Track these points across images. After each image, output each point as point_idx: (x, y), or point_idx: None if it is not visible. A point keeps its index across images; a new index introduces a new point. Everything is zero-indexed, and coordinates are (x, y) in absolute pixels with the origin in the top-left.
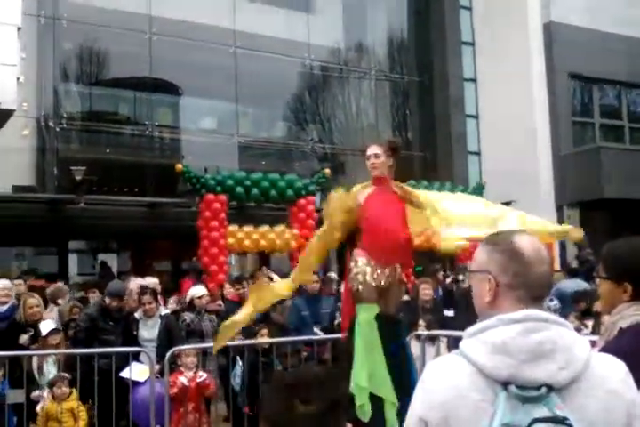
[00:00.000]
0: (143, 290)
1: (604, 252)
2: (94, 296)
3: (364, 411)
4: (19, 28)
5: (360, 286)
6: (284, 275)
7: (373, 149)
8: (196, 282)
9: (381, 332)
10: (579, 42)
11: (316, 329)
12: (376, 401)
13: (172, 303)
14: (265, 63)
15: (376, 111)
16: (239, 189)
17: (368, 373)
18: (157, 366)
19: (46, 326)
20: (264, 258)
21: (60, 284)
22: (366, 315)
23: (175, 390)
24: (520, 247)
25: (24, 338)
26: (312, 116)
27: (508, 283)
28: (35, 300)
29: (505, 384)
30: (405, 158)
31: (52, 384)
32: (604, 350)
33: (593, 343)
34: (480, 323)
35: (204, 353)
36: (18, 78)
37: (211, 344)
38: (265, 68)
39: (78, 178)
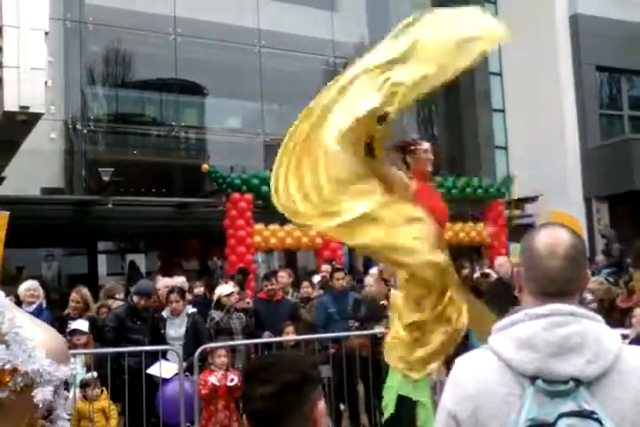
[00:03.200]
0: (171, 289)
1: (637, 244)
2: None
3: (388, 410)
4: (46, 33)
5: None
6: (309, 273)
7: (426, 145)
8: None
9: None
10: (605, 34)
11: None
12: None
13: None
14: (289, 61)
15: None
16: (264, 188)
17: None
18: (185, 364)
19: (77, 326)
20: (290, 256)
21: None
22: None
23: (205, 390)
24: (535, 241)
25: None
26: None
27: (526, 276)
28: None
29: (533, 379)
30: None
31: (84, 385)
32: (635, 342)
33: (624, 337)
34: (508, 317)
35: (232, 351)
36: (46, 82)
37: (240, 342)
38: (289, 67)
39: (106, 179)
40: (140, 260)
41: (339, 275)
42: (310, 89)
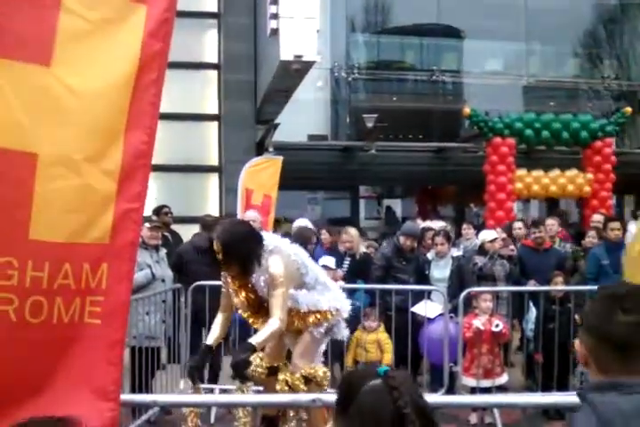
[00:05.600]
0: (436, 231)
1: None
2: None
3: None
4: None
5: None
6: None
7: None
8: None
9: None
10: None
11: None
12: None
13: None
14: None
15: None
16: (528, 132)
17: None
18: (449, 306)
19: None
20: (553, 204)
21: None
22: None
23: (470, 333)
24: None
25: None
26: (607, 51)
27: None
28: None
29: None
30: None
31: (364, 315)
32: None
33: None
34: None
35: (495, 297)
36: (317, 31)
37: (505, 288)
38: (557, 3)
39: (370, 125)
40: (397, 205)
41: (614, 225)
42: (578, 26)
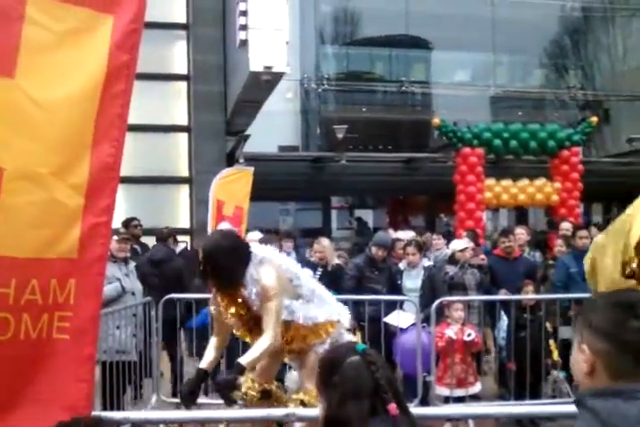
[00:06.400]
0: (408, 241)
1: None
2: None
3: None
4: None
5: None
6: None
7: None
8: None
9: None
10: None
11: None
12: None
13: None
14: (524, 9)
15: None
16: (497, 142)
17: None
18: (421, 315)
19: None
20: (521, 213)
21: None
22: None
23: (443, 343)
24: None
25: None
26: (572, 61)
27: None
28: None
29: None
30: None
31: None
32: None
33: None
34: None
35: (467, 306)
36: (286, 42)
37: (477, 297)
38: (523, 15)
39: (340, 136)
40: (368, 215)
41: (582, 233)
42: (543, 37)
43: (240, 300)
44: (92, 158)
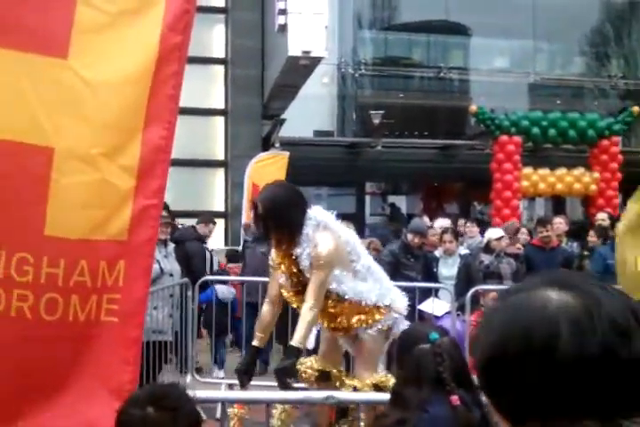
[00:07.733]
0: (445, 229)
1: None
2: None
3: None
4: None
5: None
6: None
7: None
8: None
9: None
10: None
11: None
12: None
13: None
14: None
15: None
16: (535, 130)
17: None
18: (456, 304)
19: None
20: (558, 203)
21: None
22: None
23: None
24: None
25: None
26: (614, 49)
27: None
28: None
29: None
30: None
31: None
32: None
33: None
34: None
35: None
36: (325, 27)
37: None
38: (565, 1)
39: (376, 122)
40: (402, 202)
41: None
42: (585, 24)
43: (294, 257)
44: (144, 140)
